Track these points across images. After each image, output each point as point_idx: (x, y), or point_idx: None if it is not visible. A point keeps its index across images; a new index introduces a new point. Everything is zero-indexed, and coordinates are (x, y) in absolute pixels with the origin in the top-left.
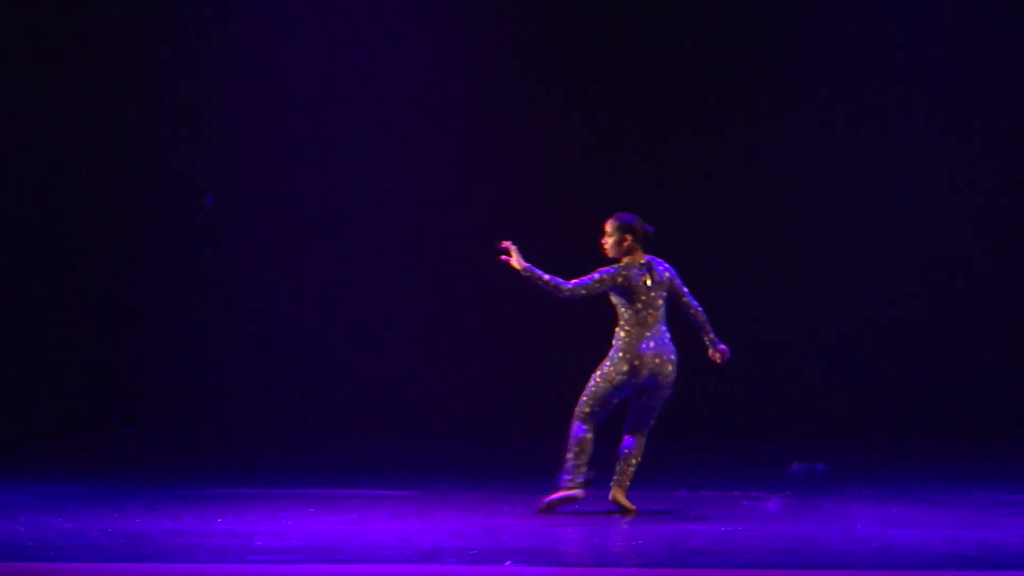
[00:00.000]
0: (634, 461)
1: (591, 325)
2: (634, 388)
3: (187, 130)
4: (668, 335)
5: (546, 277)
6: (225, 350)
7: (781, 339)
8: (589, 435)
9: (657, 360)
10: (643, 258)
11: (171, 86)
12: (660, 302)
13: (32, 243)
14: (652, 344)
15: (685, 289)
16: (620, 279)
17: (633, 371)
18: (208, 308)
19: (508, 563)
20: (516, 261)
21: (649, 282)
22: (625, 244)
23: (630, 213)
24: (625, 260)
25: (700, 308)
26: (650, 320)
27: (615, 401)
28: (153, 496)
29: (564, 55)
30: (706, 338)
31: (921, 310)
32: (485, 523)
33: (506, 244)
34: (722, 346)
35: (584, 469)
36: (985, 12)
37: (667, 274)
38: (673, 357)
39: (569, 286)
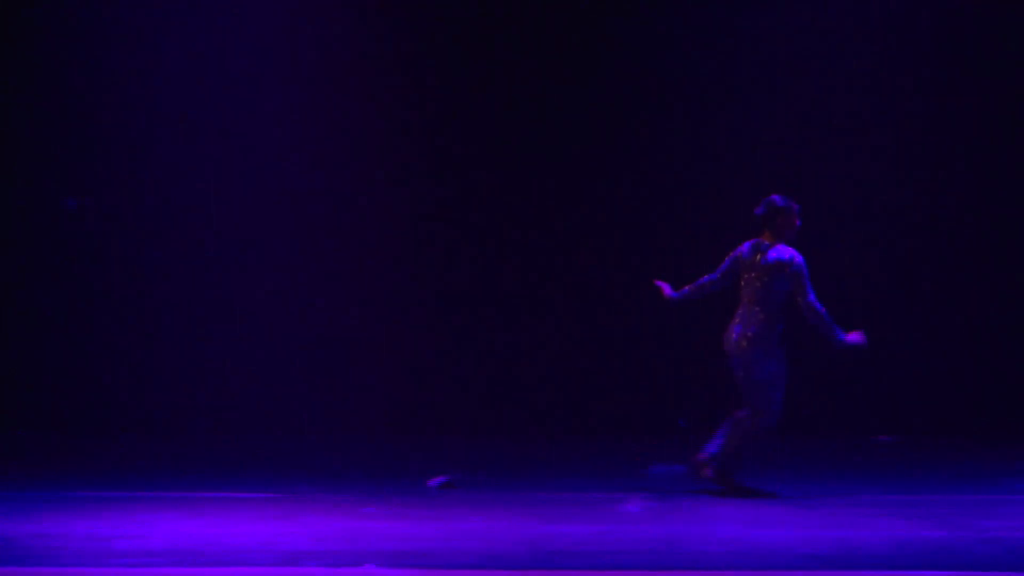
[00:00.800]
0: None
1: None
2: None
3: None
4: (751, 316)
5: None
6: (79, 351)
7: (636, 335)
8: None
9: (729, 337)
10: (762, 239)
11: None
12: (746, 284)
13: None
14: (733, 322)
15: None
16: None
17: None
18: (59, 309)
19: (369, 566)
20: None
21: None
22: None
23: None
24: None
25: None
26: (742, 299)
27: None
28: (11, 499)
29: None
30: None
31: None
32: (347, 526)
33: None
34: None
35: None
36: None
37: (763, 259)
38: (733, 336)
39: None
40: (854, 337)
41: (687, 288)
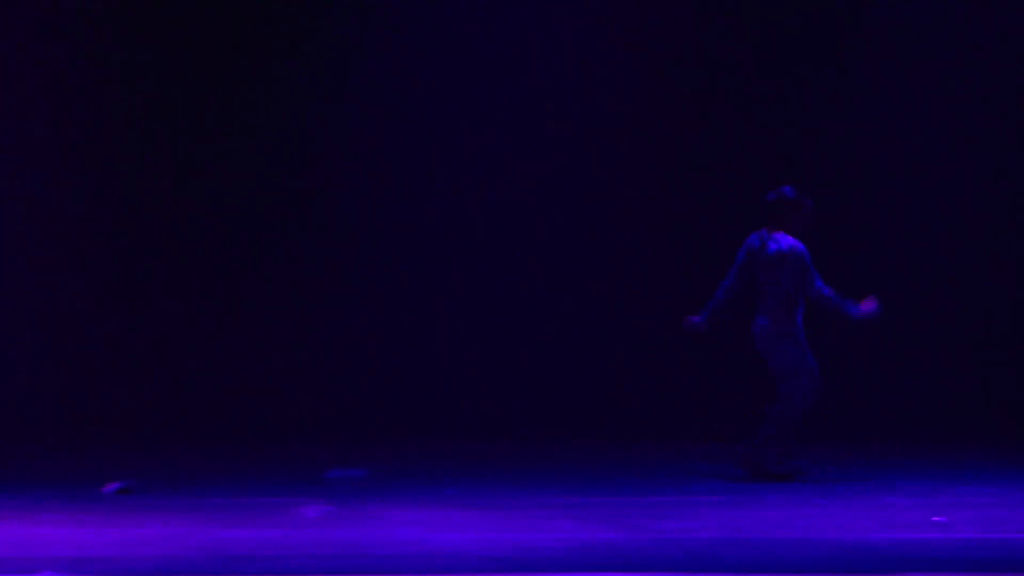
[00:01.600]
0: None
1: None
2: None
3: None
4: (765, 307)
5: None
6: None
7: (310, 339)
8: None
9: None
10: (767, 228)
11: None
12: (758, 275)
13: None
14: (755, 315)
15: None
16: None
17: None
18: None
19: (46, 573)
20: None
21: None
22: None
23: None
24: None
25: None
26: (758, 291)
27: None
28: None
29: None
30: None
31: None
32: (24, 532)
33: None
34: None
35: None
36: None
37: (767, 249)
38: (755, 329)
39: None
40: (867, 306)
41: (711, 303)
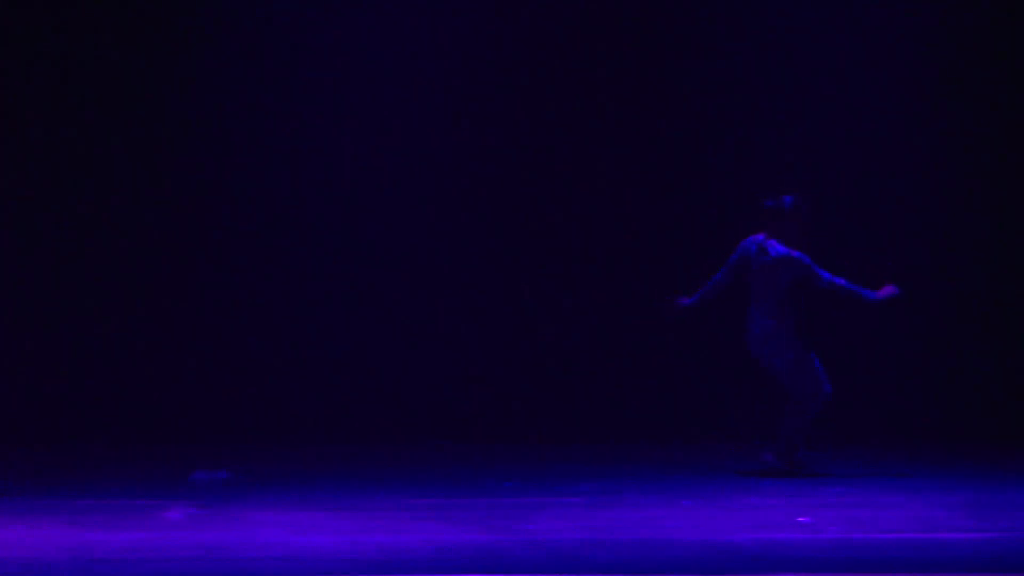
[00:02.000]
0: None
1: None
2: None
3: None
4: (762, 311)
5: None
6: None
7: (190, 342)
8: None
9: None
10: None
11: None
12: (753, 279)
13: None
14: (749, 320)
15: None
16: None
17: None
18: None
19: None
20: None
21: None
22: None
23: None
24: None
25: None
26: (752, 295)
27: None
28: None
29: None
30: None
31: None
32: None
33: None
34: None
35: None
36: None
37: (765, 255)
38: (751, 334)
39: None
40: (887, 291)
41: (700, 291)
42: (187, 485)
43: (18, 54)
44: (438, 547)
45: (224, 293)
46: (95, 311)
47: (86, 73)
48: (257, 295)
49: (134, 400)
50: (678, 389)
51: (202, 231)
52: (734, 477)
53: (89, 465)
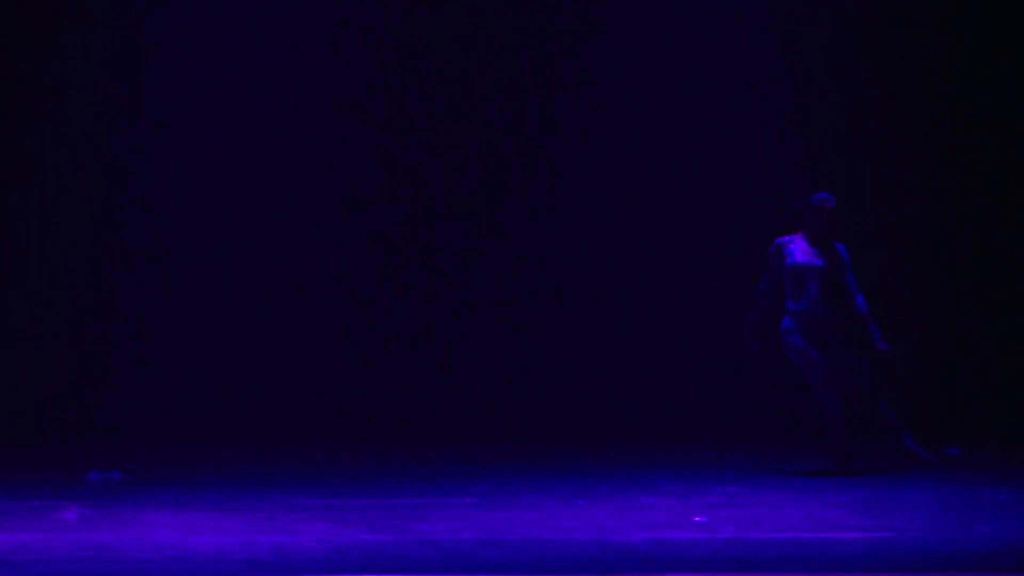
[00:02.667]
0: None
1: None
2: None
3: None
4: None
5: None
6: None
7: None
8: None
9: None
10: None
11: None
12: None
13: None
14: None
15: None
16: None
17: None
18: None
19: None
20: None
21: None
22: None
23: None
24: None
25: None
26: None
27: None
28: None
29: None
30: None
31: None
32: None
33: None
34: None
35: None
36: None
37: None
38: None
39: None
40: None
41: (754, 312)
42: (81, 486)
43: None
44: (334, 547)
45: (112, 295)
46: None
47: None
48: (145, 297)
49: (26, 401)
50: (571, 390)
51: (74, 232)
52: (630, 477)
53: None
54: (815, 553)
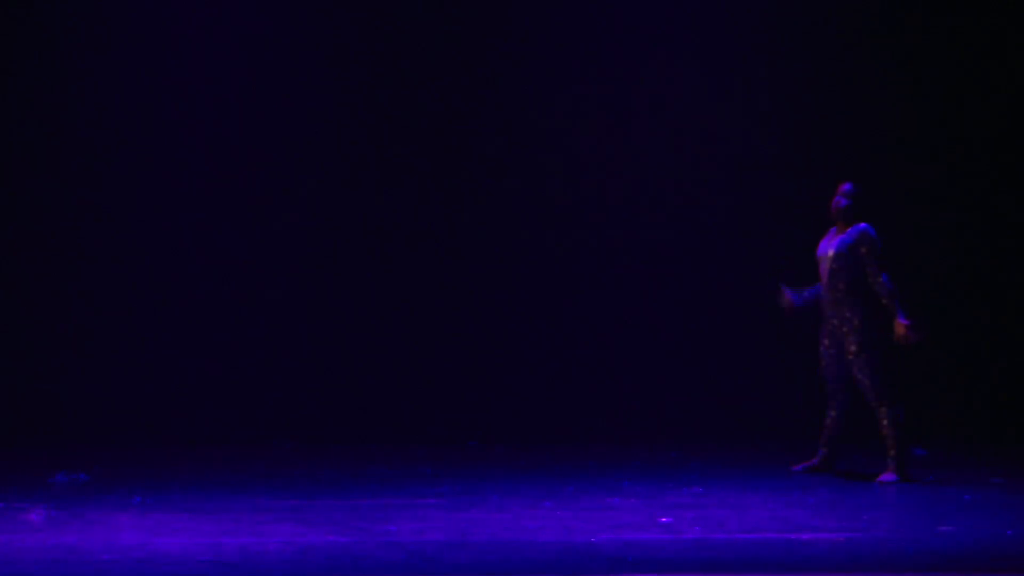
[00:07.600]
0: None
1: None
2: None
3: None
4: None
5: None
6: None
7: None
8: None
9: None
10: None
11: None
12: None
13: None
14: None
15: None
16: None
17: None
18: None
19: None
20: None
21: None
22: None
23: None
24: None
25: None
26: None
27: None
28: None
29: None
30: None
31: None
32: None
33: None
34: None
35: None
36: None
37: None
38: None
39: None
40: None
41: (807, 293)
42: (47, 487)
43: None
44: (300, 548)
45: (74, 299)
46: None
47: None
48: (108, 301)
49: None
50: (537, 392)
51: (50, 235)
52: (596, 478)
53: None
54: (781, 553)
